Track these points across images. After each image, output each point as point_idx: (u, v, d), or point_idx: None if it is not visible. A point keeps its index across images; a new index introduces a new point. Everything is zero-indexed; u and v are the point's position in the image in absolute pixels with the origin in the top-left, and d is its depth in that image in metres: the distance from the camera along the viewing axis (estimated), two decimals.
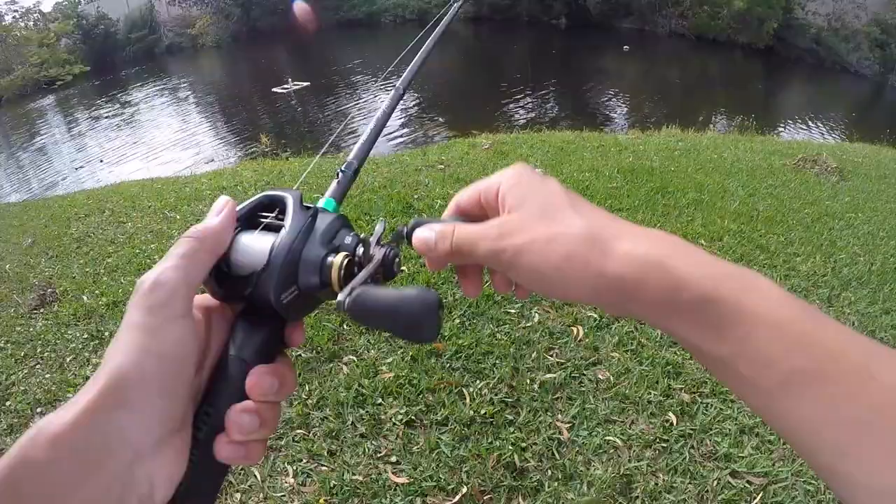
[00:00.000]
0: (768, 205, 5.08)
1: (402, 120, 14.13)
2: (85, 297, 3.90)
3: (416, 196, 4.82)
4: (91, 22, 36.55)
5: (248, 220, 0.45)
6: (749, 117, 11.88)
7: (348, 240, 0.45)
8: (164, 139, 14.45)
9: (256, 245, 0.42)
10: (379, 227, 0.48)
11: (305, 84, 19.06)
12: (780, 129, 15.69)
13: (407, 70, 0.75)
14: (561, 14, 32.96)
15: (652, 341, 2.93)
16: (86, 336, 3.42)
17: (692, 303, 0.35)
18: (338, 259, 0.42)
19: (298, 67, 25.86)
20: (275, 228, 0.44)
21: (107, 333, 3.39)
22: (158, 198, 5.93)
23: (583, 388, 2.56)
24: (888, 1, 28.22)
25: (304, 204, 0.46)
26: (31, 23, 35.60)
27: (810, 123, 16.80)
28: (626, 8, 32.53)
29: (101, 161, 13.72)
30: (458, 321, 3.02)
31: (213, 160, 11.02)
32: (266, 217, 0.45)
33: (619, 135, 7.88)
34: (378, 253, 0.45)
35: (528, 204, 0.42)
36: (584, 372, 2.65)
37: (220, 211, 0.44)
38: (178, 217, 5.16)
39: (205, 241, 0.42)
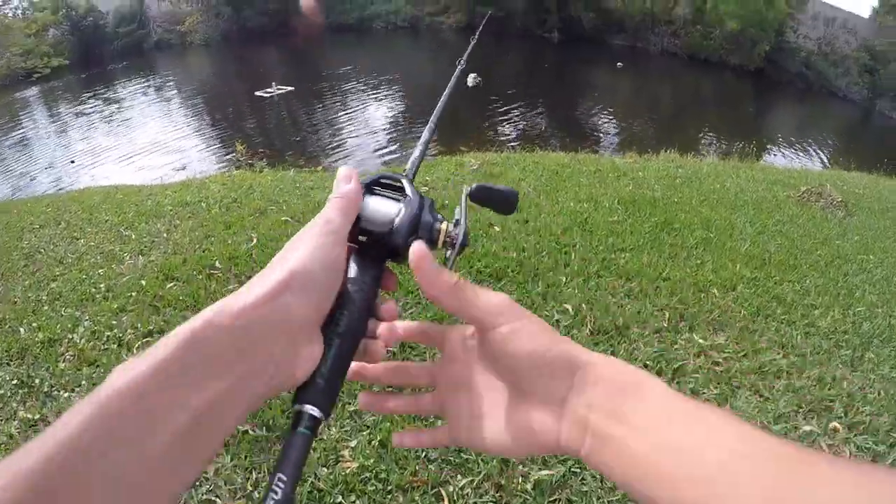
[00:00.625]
0: (779, 245, 4.70)
1: (390, 134, 13.64)
2: (22, 330, 3.46)
3: None
4: (80, 13, 35.88)
5: (369, 189, 0.56)
6: (749, 143, 11.60)
7: (440, 216, 0.56)
8: (142, 141, 13.70)
9: (386, 205, 0.54)
10: (463, 199, 0.59)
11: (289, 89, 18.46)
12: (773, 152, 15.43)
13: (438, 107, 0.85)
14: (554, 28, 32.82)
15: None
16: (14, 382, 2.96)
17: None
18: (444, 226, 0.55)
19: (287, 71, 25.36)
20: (392, 198, 0.55)
21: (37, 381, 2.95)
22: (117, 211, 5.44)
23: (585, 489, 2.11)
24: (878, 27, 28.42)
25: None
26: (20, 11, 34.85)
27: (802, 147, 16.58)
28: (619, 24, 32.49)
29: (73, 162, 13.01)
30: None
31: (184, 167, 10.44)
32: (384, 188, 0.57)
33: (617, 158, 7.47)
34: (460, 229, 0.56)
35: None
36: (587, 468, 2.20)
37: (348, 179, 0.51)
38: (132, 236, 4.67)
39: (350, 198, 0.50)
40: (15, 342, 3.28)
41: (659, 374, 2.90)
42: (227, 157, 11.02)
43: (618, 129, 15.94)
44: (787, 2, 27.84)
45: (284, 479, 0.40)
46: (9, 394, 2.84)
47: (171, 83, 24.56)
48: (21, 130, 18.40)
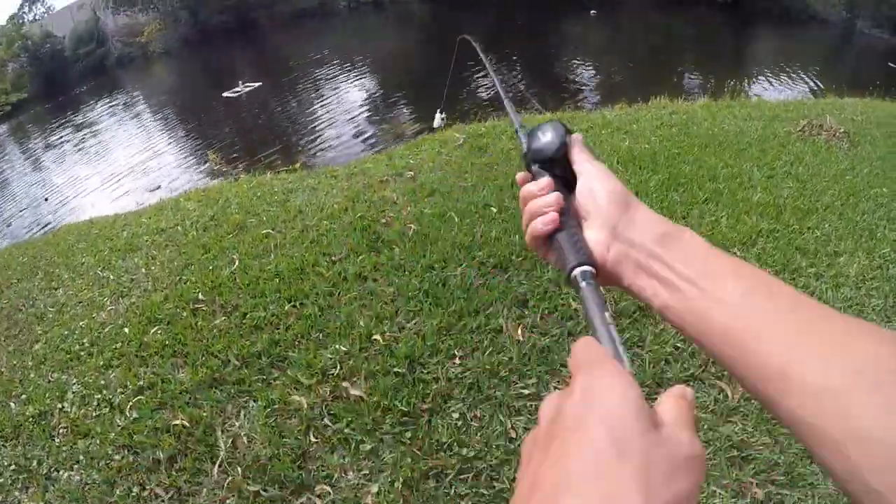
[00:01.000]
0: (791, 190, 4.42)
1: (368, 115, 13.15)
2: (12, 405, 3.28)
3: (382, 220, 4.09)
4: (36, 42, 35.23)
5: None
6: (736, 79, 11.24)
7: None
8: (116, 166, 13.16)
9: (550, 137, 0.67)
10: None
11: (257, 85, 17.90)
12: (761, 84, 15.01)
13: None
14: None
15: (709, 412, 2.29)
16: (13, 468, 2.81)
17: None
18: (573, 136, 0.68)
19: (253, 67, 24.78)
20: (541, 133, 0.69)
21: (35, 462, 2.78)
22: (93, 250, 5.15)
23: None
24: None
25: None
26: None
27: (788, 77, 16.15)
28: None
29: (46, 200, 12.53)
30: (456, 415, 2.34)
31: (158, 187, 10.04)
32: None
33: (606, 111, 7.12)
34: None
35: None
36: None
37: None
38: (110, 277, 4.39)
39: None
40: (7, 420, 3.12)
41: (690, 354, 2.66)
42: (203, 167, 10.61)
43: (598, 81, 15.52)
44: None
45: (606, 316, 0.48)
46: (9, 482, 2.72)
47: (137, 98, 23.99)
48: None
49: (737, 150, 5.24)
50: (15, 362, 3.76)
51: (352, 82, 17.10)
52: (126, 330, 3.55)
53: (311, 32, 30.84)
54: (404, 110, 13.30)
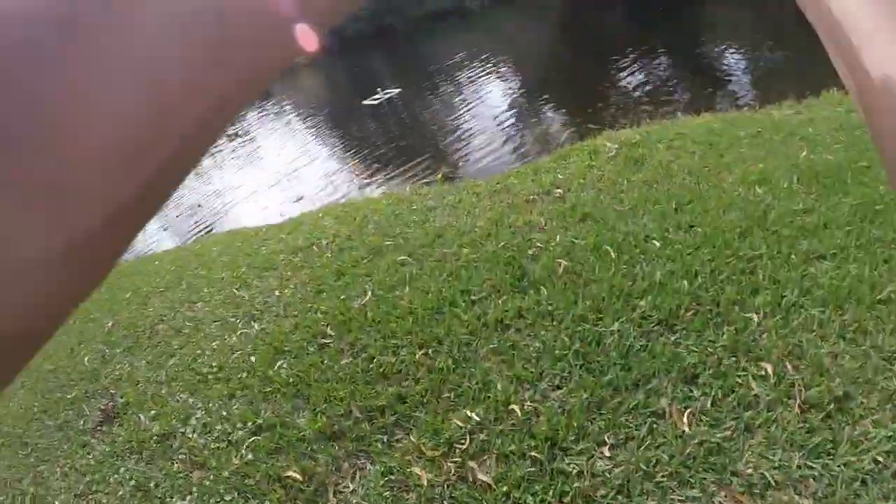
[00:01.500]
0: None
1: (509, 120, 12.60)
2: (142, 418, 3.43)
3: (529, 251, 3.60)
4: None
5: None
6: None
7: None
8: (266, 174, 13.84)
9: None
10: None
11: (396, 91, 18.03)
12: None
13: None
14: None
15: None
16: (132, 483, 2.94)
17: None
18: None
19: (392, 72, 25.27)
20: None
21: (152, 484, 2.87)
22: (232, 265, 5.17)
23: None
24: None
25: None
26: None
27: None
28: None
29: (199, 206, 13.34)
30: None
31: (301, 198, 10.17)
32: None
33: (773, 110, 6.13)
34: None
35: None
36: None
37: None
38: (245, 297, 4.32)
39: None
40: (136, 433, 3.28)
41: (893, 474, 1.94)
42: (345, 177, 10.67)
43: (752, 68, 13.86)
44: None
45: None
46: (128, 496, 2.86)
47: (287, 107, 25.31)
48: None
49: None
50: (150, 375, 3.86)
51: (492, 84, 16.72)
52: (253, 359, 3.42)
53: (445, 34, 30.94)
54: (549, 113, 12.63)
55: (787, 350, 2.51)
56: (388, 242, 4.29)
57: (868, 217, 3.42)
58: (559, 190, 4.48)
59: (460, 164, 9.55)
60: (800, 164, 4.25)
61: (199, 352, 3.84)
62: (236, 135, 22.45)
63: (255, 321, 3.90)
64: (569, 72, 16.01)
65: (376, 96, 17.48)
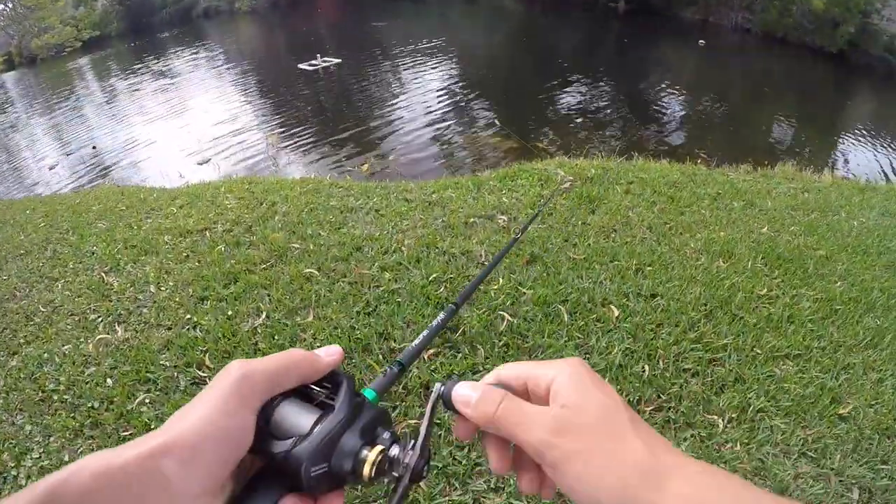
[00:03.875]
0: None
1: (447, 117, 11.94)
2: None
3: (476, 303, 3.07)
4: None
5: (300, 389, 0.45)
6: (830, 137, 9.68)
7: (385, 436, 0.44)
8: (171, 125, 12.39)
9: (304, 414, 0.43)
10: (433, 396, 0.48)
11: (336, 61, 16.94)
12: (849, 146, 12.91)
13: (465, 289, 0.83)
14: None
15: None
16: None
17: None
18: (371, 455, 0.42)
19: (334, 40, 24.09)
20: (321, 405, 0.44)
21: None
22: (107, 237, 4.33)
23: None
24: None
25: (354, 391, 0.46)
26: None
27: (883, 145, 14.06)
28: None
29: (94, 148, 11.77)
30: None
31: (208, 160, 9.10)
32: (317, 391, 0.46)
33: (732, 174, 5.84)
34: (410, 459, 0.43)
35: (587, 408, 0.42)
36: None
37: (330, 355, 0.46)
38: (114, 286, 3.53)
39: (301, 366, 0.44)
40: None
41: None
42: (257, 145, 9.64)
43: (688, 116, 13.89)
44: None
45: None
46: None
47: (219, 54, 23.52)
48: (58, 106, 17.65)
49: (887, 263, 3.98)
50: None
51: (435, 76, 15.99)
52: (110, 382, 2.68)
53: (398, 15, 30.01)
54: (486, 116, 12.08)
55: (751, 465, 2.19)
56: (295, 246, 3.62)
57: (829, 316, 3.16)
58: (503, 217, 3.97)
59: (390, 154, 8.83)
60: (761, 240, 4.01)
61: (46, 356, 3.04)
62: (161, 73, 20.68)
63: (119, 324, 3.14)
64: (513, 81, 15.61)
65: (314, 62, 16.38)
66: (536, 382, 0.45)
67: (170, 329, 3.00)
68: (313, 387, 0.45)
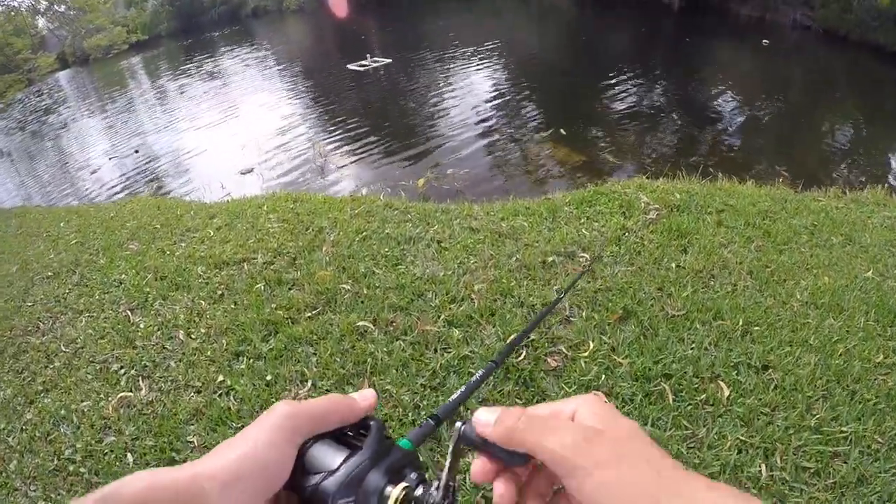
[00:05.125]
0: None
1: (501, 117, 11.21)
2: None
3: (550, 363, 2.48)
4: None
5: (334, 432, 0.47)
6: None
7: (413, 476, 0.45)
8: (217, 132, 11.87)
9: (334, 453, 0.44)
10: (455, 435, 0.47)
11: (386, 61, 16.42)
12: None
13: (506, 344, 0.90)
14: None
15: None
16: None
17: None
18: (395, 492, 0.43)
19: (385, 38, 23.72)
20: (352, 446, 0.45)
21: None
22: (137, 263, 3.92)
23: None
24: None
25: (385, 434, 0.48)
26: None
27: None
28: None
29: (136, 152, 11.42)
30: None
31: (251, 170, 8.60)
32: (350, 434, 0.47)
33: (823, 199, 5.05)
34: (434, 499, 0.44)
35: (616, 425, 0.41)
36: None
37: (365, 399, 0.48)
38: (140, 328, 3.10)
39: (340, 409, 0.46)
40: None
41: None
42: (304, 153, 9.10)
43: (743, 117, 12.90)
44: None
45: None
46: None
47: (269, 55, 23.39)
48: (107, 108, 17.68)
49: None
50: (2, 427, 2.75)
51: (487, 77, 15.15)
52: (130, 458, 2.28)
53: (450, 12, 29.52)
54: (542, 120, 11.31)
55: None
56: (346, 287, 3.10)
57: None
58: (584, 255, 3.38)
59: (445, 166, 8.19)
60: (868, 288, 3.31)
61: (63, 412, 2.64)
62: (209, 74, 20.61)
63: (143, 379, 2.70)
64: (570, 82, 14.84)
65: (364, 62, 15.89)
66: (557, 416, 0.45)
67: (199, 392, 2.52)
68: (348, 431, 0.47)
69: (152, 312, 3.25)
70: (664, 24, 26.83)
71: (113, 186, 9.55)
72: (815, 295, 3.16)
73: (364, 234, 3.82)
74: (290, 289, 3.16)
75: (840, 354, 2.66)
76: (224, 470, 0.38)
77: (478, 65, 16.11)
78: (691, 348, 2.60)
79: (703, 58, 19.53)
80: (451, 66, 16.60)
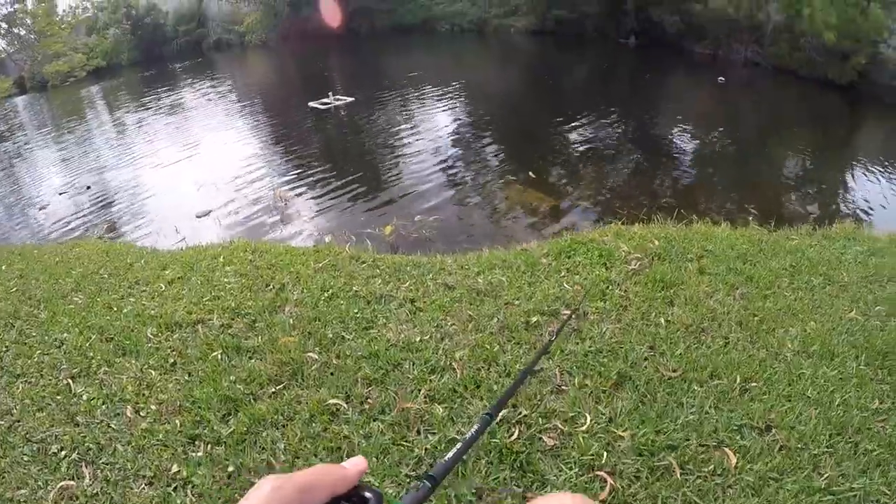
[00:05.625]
0: None
1: (466, 159, 11.05)
2: None
3: (546, 442, 2.26)
4: (140, 13, 36.12)
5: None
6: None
7: None
8: (173, 172, 11.33)
9: None
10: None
11: (349, 100, 16.23)
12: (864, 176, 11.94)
13: (498, 399, 0.85)
14: (631, 32, 30.23)
15: None
16: None
17: None
18: None
19: (346, 76, 23.66)
20: None
21: None
22: (80, 320, 3.59)
23: None
24: None
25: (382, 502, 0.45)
26: (80, 10, 34.93)
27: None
28: (700, 31, 29.65)
29: (88, 188, 10.86)
30: None
31: (208, 213, 8.15)
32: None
33: (796, 238, 4.99)
34: None
35: None
36: None
37: (356, 465, 0.46)
38: (83, 400, 2.77)
39: (330, 478, 0.44)
40: None
41: None
42: (263, 196, 8.70)
43: (699, 151, 13.06)
44: (882, 13, 24.75)
45: None
46: None
47: (223, 90, 22.96)
48: (61, 138, 17.04)
49: None
50: None
51: (450, 116, 15.04)
52: None
53: (410, 48, 29.72)
54: (509, 162, 11.16)
55: None
56: (313, 356, 2.83)
57: None
58: (567, 312, 3.19)
59: (412, 211, 7.90)
60: (853, 331, 3.29)
61: None
62: (169, 108, 20.07)
63: (87, 465, 2.37)
64: (532, 121, 14.83)
65: (326, 100, 15.66)
66: None
67: (151, 484, 2.22)
68: (342, 502, 0.45)
69: (97, 382, 2.92)
70: (623, 61, 27.52)
71: (63, 225, 9.03)
72: (806, 342, 3.09)
73: (330, 291, 3.56)
74: (250, 358, 2.88)
75: (838, 405, 2.59)
76: None
77: (443, 105, 16.06)
78: (692, 413, 2.43)
79: (662, 94, 19.98)
80: (416, 106, 16.53)
